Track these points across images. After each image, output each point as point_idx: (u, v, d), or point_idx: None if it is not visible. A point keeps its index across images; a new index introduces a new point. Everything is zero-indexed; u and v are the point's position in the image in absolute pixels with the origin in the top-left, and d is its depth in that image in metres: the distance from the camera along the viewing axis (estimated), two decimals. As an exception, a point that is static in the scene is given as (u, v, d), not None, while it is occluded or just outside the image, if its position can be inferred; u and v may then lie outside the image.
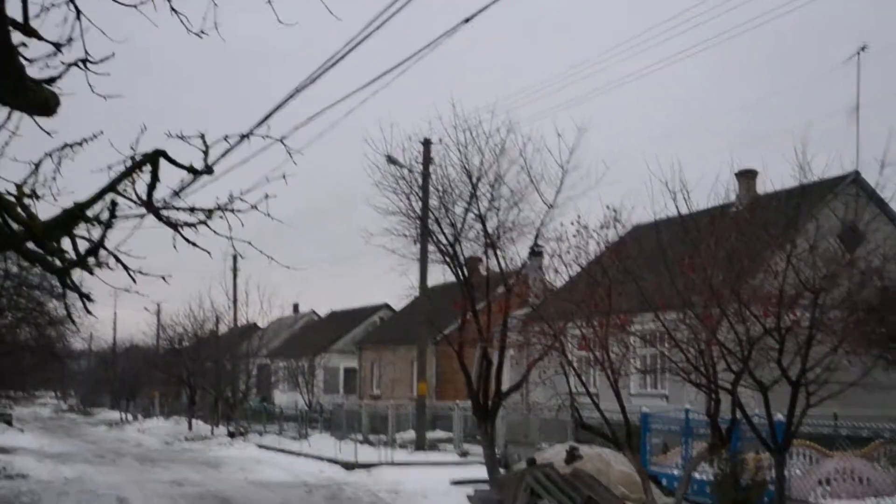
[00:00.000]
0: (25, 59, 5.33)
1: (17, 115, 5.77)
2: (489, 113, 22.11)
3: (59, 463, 31.09)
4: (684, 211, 15.88)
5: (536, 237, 21.32)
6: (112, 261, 8.02)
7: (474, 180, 21.83)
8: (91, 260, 6.68)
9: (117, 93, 6.34)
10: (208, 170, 8.34)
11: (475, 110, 22.43)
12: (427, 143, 30.20)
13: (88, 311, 7.55)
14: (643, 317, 17.48)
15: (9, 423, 57.59)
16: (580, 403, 18.11)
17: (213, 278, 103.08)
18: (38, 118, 5.70)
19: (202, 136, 8.52)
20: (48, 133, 5.94)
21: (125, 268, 7.26)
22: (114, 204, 6.58)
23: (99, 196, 7.40)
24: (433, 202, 24.06)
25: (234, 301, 56.65)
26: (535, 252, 24.08)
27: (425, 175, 29.11)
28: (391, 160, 26.02)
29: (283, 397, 59.84)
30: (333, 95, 10.83)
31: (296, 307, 79.92)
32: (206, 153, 8.25)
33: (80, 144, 8.02)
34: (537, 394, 28.28)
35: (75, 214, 6.79)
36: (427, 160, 30.01)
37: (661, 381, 30.79)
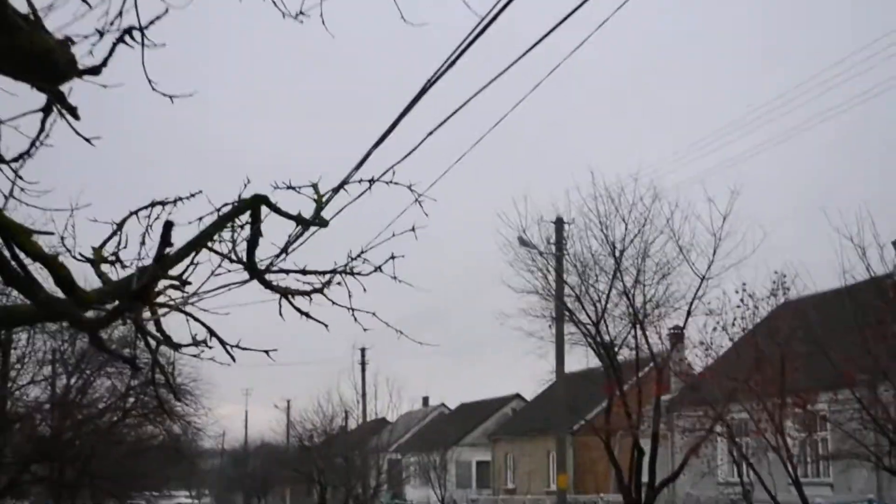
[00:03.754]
0: (70, 40, 3.92)
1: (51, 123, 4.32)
2: (632, 179, 20.52)
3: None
4: (879, 269, 13.81)
5: (689, 312, 19.50)
6: (206, 337, 6.56)
7: (618, 253, 20.26)
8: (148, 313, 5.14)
9: (185, 91, 4.83)
10: (322, 221, 6.84)
11: (616, 178, 21.11)
12: (560, 223, 28.90)
13: (177, 398, 6.04)
14: (820, 395, 15.39)
15: (141, 524, 57.07)
16: (736, 494, 16.00)
17: (340, 372, 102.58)
18: (80, 132, 4.24)
19: (314, 186, 7.05)
20: (89, 140, 4.42)
21: (209, 329, 5.74)
22: (168, 227, 5.04)
23: (184, 253, 5.94)
24: (573, 279, 22.57)
25: (363, 395, 55.72)
26: (678, 335, 22.14)
27: (559, 256, 27.79)
28: (523, 242, 24.76)
29: (415, 493, 58.22)
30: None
31: (425, 400, 78.56)
32: (318, 202, 6.76)
33: (174, 203, 6.63)
34: (686, 483, 25.83)
35: (154, 275, 5.31)
36: (560, 241, 28.72)
37: (824, 468, 28.11)
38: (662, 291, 20.42)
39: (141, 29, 3.93)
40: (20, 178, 4.53)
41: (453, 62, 5.09)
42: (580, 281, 21.77)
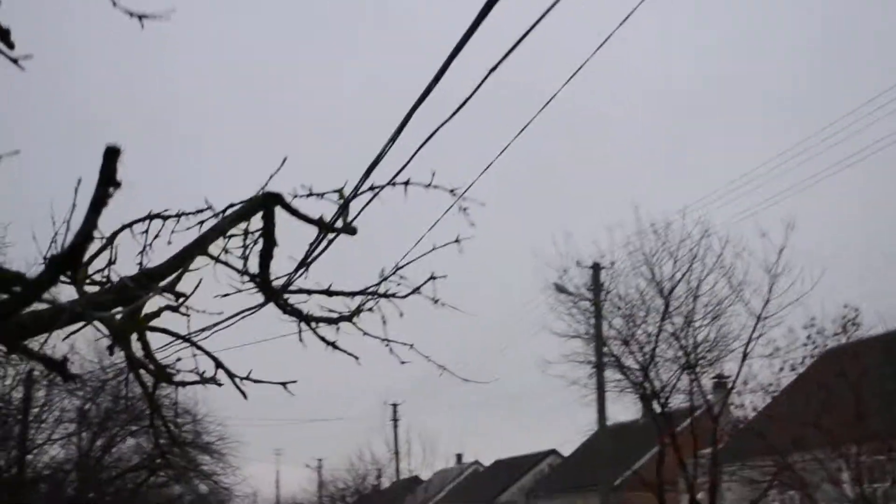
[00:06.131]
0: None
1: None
2: (679, 215, 19.37)
3: None
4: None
5: (745, 353, 18.21)
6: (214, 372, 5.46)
7: (665, 292, 19.01)
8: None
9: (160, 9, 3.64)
10: (348, 228, 5.71)
11: (662, 214, 20.08)
12: (597, 268, 27.68)
13: (176, 444, 4.89)
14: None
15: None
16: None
17: (372, 430, 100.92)
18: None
19: (339, 191, 5.94)
20: (16, 62, 3.25)
21: (215, 360, 4.63)
22: (113, 155, 3.83)
23: (179, 260, 4.85)
24: (619, 321, 21.36)
25: (396, 452, 54.38)
26: (724, 383, 20.75)
27: (596, 303, 26.56)
28: (560, 288, 23.69)
29: (451, 552, 56.58)
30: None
31: (459, 457, 76.73)
32: (342, 202, 5.65)
33: (177, 217, 5.57)
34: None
35: (86, 234, 4.12)
36: (598, 287, 27.48)
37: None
38: (715, 333, 19.15)
39: None
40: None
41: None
42: (626, 324, 20.53)
